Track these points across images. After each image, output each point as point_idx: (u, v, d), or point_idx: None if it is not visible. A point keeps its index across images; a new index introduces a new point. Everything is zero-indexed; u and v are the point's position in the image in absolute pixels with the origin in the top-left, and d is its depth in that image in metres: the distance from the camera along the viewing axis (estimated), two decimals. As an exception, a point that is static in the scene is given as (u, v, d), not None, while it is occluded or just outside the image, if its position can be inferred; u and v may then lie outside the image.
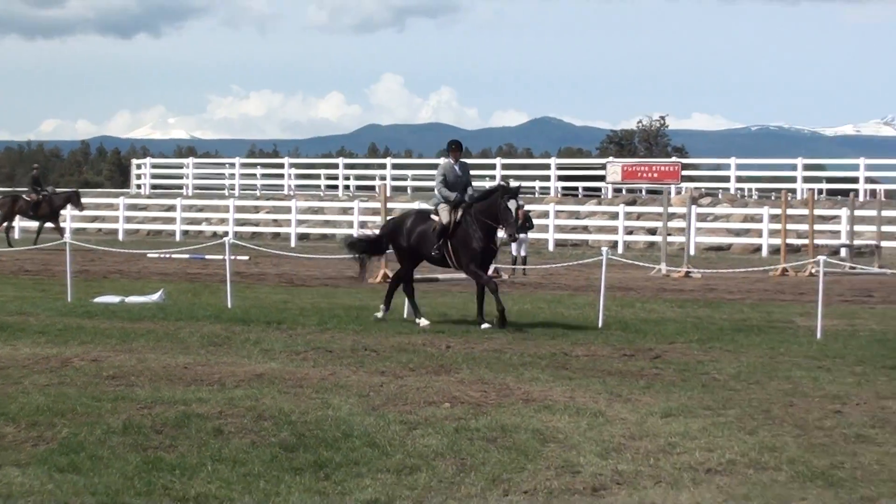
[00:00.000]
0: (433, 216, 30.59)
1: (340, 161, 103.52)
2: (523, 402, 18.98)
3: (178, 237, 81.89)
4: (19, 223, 75.06)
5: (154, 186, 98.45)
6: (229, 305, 33.33)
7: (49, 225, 66.54)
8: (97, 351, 24.32)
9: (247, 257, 52.83)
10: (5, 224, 66.49)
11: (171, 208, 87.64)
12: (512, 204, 28.68)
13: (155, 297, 35.31)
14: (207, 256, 51.93)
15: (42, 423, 16.94)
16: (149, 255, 55.53)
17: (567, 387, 20.41)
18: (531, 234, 56.32)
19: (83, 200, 70.51)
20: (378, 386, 20.36)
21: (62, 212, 69.76)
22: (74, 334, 27.08)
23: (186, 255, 54.65)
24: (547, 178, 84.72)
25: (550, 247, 72.13)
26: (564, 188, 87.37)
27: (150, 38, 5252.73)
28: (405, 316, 30.61)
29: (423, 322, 29.65)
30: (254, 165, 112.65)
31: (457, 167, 30.20)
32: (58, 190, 75.03)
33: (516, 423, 17.16)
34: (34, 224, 69.42)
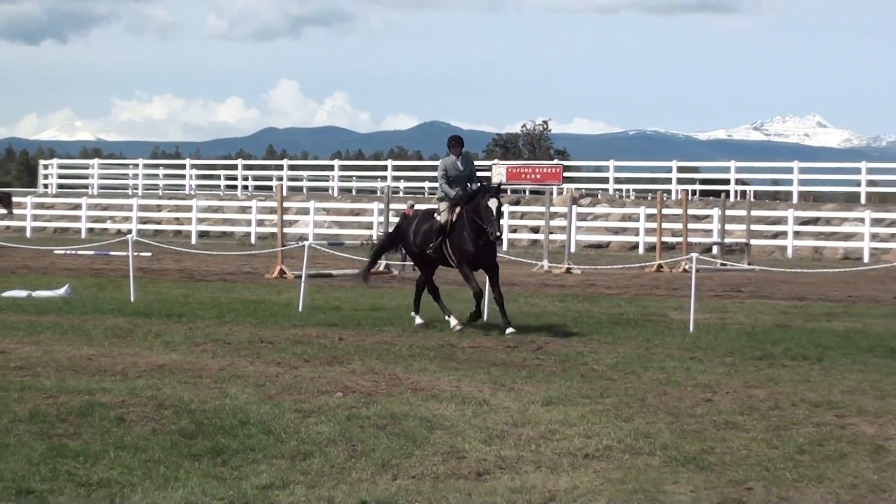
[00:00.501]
0: (436, 215, 29.07)
1: (239, 162, 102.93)
2: (412, 391, 19.02)
3: (83, 235, 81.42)
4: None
5: (61, 186, 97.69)
6: (132, 299, 33.18)
7: None
8: (4, 343, 24.17)
9: (150, 254, 52.68)
10: None
11: (77, 207, 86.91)
12: (492, 203, 27.01)
13: (61, 291, 35.14)
14: (112, 253, 51.69)
15: (-49, 412, 16.85)
16: (55, 252, 55.24)
17: (454, 377, 20.46)
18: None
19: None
20: (274, 376, 20.34)
21: None
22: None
23: (91, 252, 54.47)
24: (435, 180, 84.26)
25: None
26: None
27: (56, 44, 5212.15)
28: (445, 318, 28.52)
29: (454, 321, 27.91)
30: (156, 166, 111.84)
31: (459, 162, 28.44)
32: None
33: (405, 411, 17.19)
34: None
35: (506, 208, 35.61)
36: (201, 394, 18.36)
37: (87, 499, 12.52)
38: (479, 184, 28.27)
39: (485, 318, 29.11)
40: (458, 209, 27.81)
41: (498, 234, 27.36)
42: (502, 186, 35.66)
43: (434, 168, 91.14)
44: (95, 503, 12.30)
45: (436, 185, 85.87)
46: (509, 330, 26.55)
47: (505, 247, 68.46)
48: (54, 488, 12.80)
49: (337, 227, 73.02)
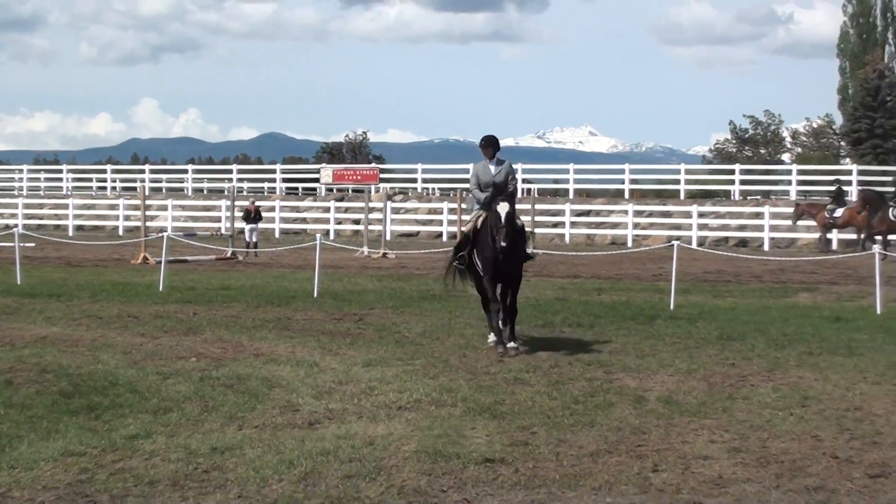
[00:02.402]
0: (462, 227, 25.92)
1: (109, 167, 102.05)
2: (254, 356, 18.93)
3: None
4: None
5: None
6: (18, 282, 32.75)
7: None
8: None
9: (33, 244, 51.90)
10: None
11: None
12: (501, 208, 19.70)
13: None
14: (1, 244, 50.94)
15: None
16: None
17: (289, 344, 20.39)
18: (261, 224, 56.06)
19: None
20: (139, 345, 20.18)
21: None
22: None
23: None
24: (273, 181, 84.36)
25: (277, 234, 71.80)
26: (288, 188, 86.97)
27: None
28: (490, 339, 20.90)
29: (491, 338, 20.67)
30: (38, 171, 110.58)
31: (491, 166, 20.76)
32: None
33: (249, 372, 17.13)
34: None
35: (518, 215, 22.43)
36: (78, 360, 18.19)
37: (-19, 449, 12.31)
38: (514, 190, 21.21)
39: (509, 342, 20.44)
40: (482, 217, 21.03)
41: (503, 244, 19.52)
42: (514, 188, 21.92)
43: (271, 172, 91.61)
44: (-12, 453, 12.11)
45: (272, 185, 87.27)
46: (510, 344, 19.93)
47: (332, 236, 68.56)
48: (-48, 441, 12.60)
49: (191, 220, 72.42)
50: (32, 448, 12.29)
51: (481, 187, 20.70)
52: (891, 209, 48.99)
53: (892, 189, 55.96)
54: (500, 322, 20.11)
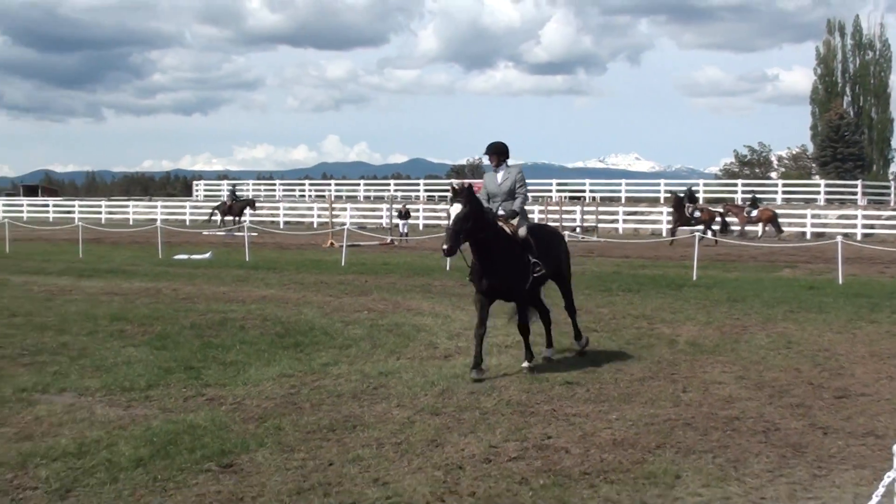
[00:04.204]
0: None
1: (307, 182, 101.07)
2: (407, 310, 18.98)
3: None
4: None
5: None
6: (247, 259, 33.06)
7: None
8: (175, 284, 24.10)
9: (256, 233, 52.22)
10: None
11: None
12: (453, 209, 12.62)
13: (207, 255, 34.98)
14: (236, 234, 51.08)
15: (146, 323, 16.83)
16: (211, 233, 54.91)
17: (430, 302, 20.40)
18: (410, 220, 55.90)
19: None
20: (328, 302, 20.29)
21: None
22: (163, 275, 26.84)
23: (223, 233, 53.95)
24: (418, 191, 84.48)
25: (421, 227, 71.77)
26: (428, 196, 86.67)
27: None
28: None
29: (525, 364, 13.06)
30: (259, 185, 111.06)
31: (499, 174, 13.76)
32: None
33: (403, 321, 17.21)
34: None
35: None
36: (287, 312, 18.38)
37: (224, 371, 12.51)
38: (522, 197, 13.61)
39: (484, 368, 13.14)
40: None
41: (444, 247, 12.61)
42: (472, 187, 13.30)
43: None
44: (230, 375, 12.30)
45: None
46: (525, 364, 12.99)
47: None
48: (206, 366, 12.81)
49: (362, 217, 72.61)
50: (258, 371, 12.48)
51: (490, 198, 13.63)
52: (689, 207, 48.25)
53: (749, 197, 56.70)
54: (479, 348, 12.53)
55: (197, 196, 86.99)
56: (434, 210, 66.12)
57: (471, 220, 12.48)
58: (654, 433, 9.56)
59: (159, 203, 77.35)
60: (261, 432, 9.40)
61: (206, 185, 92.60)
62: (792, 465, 8.58)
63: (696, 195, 50.94)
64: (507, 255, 12.94)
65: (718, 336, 15.91)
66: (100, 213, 74.51)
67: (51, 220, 70.77)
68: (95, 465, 8.28)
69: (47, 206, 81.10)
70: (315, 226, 57.48)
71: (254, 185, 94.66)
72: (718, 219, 49.26)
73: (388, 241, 45.54)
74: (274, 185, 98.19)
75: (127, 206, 76.74)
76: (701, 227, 46.36)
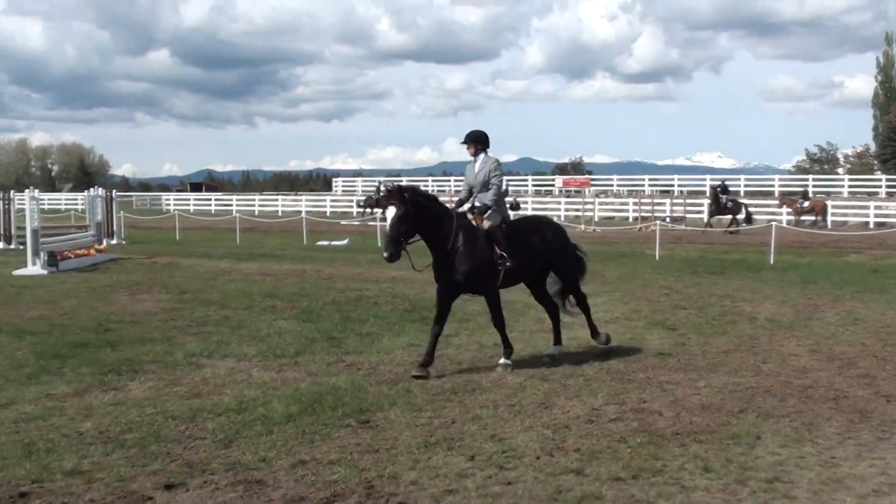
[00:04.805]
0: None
1: (429, 179, 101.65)
2: (518, 289, 18.87)
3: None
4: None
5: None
6: (379, 245, 33.20)
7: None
8: (318, 266, 24.40)
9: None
10: None
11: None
12: (389, 212, 10.69)
13: (345, 241, 35.27)
14: (355, 223, 51.29)
15: (294, 299, 17.05)
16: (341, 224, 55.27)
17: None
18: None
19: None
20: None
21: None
22: (307, 259, 27.19)
23: (358, 223, 54.25)
24: (526, 186, 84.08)
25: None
26: (535, 190, 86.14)
27: None
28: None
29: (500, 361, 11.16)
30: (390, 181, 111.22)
31: (476, 164, 11.43)
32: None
33: (515, 299, 17.02)
34: None
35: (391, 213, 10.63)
36: (414, 290, 18.41)
37: (361, 341, 12.61)
38: (495, 188, 11.34)
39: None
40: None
41: (384, 255, 10.85)
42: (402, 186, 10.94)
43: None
44: (365, 344, 12.40)
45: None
46: (502, 361, 11.01)
47: (562, 219, 67.43)
48: (345, 337, 12.94)
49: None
50: (389, 341, 12.58)
51: (471, 189, 11.45)
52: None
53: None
54: (432, 345, 10.77)
55: (336, 191, 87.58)
56: (541, 202, 65.49)
57: (406, 221, 10.60)
58: (737, 399, 9.40)
59: (304, 197, 78.05)
60: (393, 394, 9.48)
61: (343, 181, 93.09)
62: (859, 429, 8.38)
63: (729, 188, 49.93)
64: (469, 249, 10.86)
65: (793, 314, 15.56)
66: (253, 205, 75.58)
67: (212, 212, 72.05)
68: (253, 419, 8.43)
69: (210, 200, 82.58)
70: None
71: (383, 181, 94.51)
72: (744, 211, 48.19)
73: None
74: (402, 181, 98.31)
75: (276, 200, 77.64)
76: (729, 216, 45.85)
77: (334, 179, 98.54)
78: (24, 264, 23.21)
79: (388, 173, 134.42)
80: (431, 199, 11.05)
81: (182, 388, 9.76)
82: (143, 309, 15.89)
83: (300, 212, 54.65)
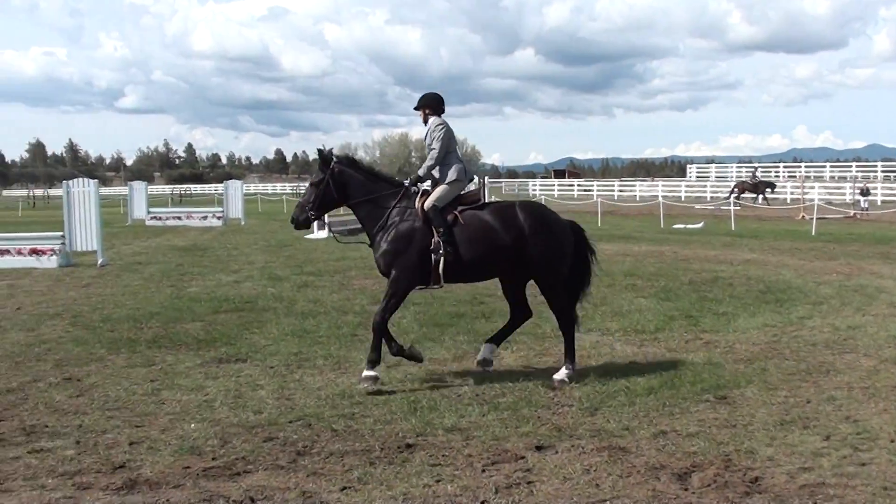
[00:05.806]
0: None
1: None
2: (870, 273, 17.60)
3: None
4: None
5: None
6: (732, 228, 32.16)
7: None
8: (674, 248, 23.85)
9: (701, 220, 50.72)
10: None
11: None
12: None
13: (699, 225, 34.34)
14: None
15: (652, 278, 16.77)
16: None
17: (891, 267, 18.78)
18: (870, 197, 51.73)
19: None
20: (802, 265, 19.17)
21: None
22: (664, 241, 26.69)
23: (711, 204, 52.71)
24: (876, 173, 77.98)
25: (878, 203, 66.32)
26: (884, 176, 79.63)
27: None
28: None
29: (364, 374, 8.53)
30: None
31: (427, 131, 8.94)
32: None
33: (867, 283, 15.95)
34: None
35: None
36: (766, 272, 17.50)
37: (717, 320, 12.27)
38: (429, 160, 8.85)
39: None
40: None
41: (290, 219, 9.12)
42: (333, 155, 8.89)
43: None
44: (721, 323, 12.07)
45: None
46: (364, 373, 8.53)
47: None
48: (702, 315, 12.64)
49: (826, 195, 67.89)
50: (745, 321, 12.14)
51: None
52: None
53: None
54: (378, 341, 8.66)
55: (690, 177, 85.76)
56: (891, 189, 60.71)
57: (321, 186, 8.80)
58: None
59: (660, 183, 76.97)
60: (749, 372, 9.17)
61: (697, 168, 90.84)
62: None
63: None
64: (392, 231, 8.71)
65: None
66: (612, 191, 75.58)
67: (575, 196, 72.75)
68: (616, 390, 8.44)
69: (572, 185, 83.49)
70: (788, 201, 54.68)
71: (736, 167, 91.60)
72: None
73: (852, 214, 42.58)
74: (754, 167, 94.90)
75: (634, 185, 77.18)
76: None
77: (688, 166, 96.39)
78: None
79: (740, 160, 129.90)
80: (368, 173, 9.04)
81: (550, 359, 9.92)
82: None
83: (656, 196, 53.96)
